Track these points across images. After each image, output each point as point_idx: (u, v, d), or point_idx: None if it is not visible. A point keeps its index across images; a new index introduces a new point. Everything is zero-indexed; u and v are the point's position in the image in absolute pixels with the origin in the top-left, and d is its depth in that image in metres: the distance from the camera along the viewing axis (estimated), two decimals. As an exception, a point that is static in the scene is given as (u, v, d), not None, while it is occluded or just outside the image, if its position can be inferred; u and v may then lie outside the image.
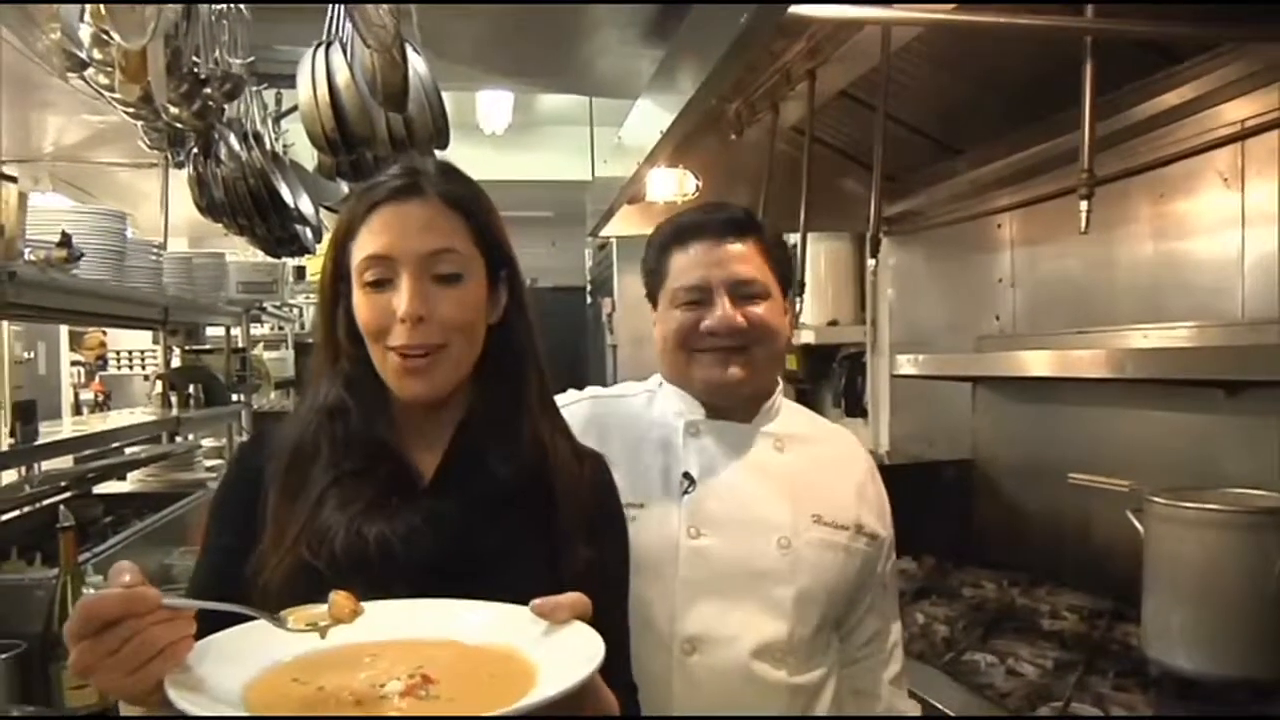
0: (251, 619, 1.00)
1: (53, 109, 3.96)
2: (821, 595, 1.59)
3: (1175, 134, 2.40)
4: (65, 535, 2.01)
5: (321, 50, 2.34)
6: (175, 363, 4.85)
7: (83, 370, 8.14)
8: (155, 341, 6.14)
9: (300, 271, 6.16)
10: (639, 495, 1.55)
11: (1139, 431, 2.63)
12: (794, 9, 1.77)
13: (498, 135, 7.23)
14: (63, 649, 1.94)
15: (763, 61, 2.53)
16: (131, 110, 2.42)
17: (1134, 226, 2.62)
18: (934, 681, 2.20)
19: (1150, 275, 2.59)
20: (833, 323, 4.32)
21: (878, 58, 2.31)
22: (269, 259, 4.68)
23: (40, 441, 2.90)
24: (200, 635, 0.95)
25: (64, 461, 3.66)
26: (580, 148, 7.34)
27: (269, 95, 3.47)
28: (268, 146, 3.32)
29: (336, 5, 2.35)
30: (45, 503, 3.05)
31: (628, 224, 3.68)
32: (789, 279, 1.70)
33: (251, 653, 0.98)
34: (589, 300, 8.46)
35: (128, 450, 4.16)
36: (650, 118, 2.79)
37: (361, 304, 1.22)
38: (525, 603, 1.05)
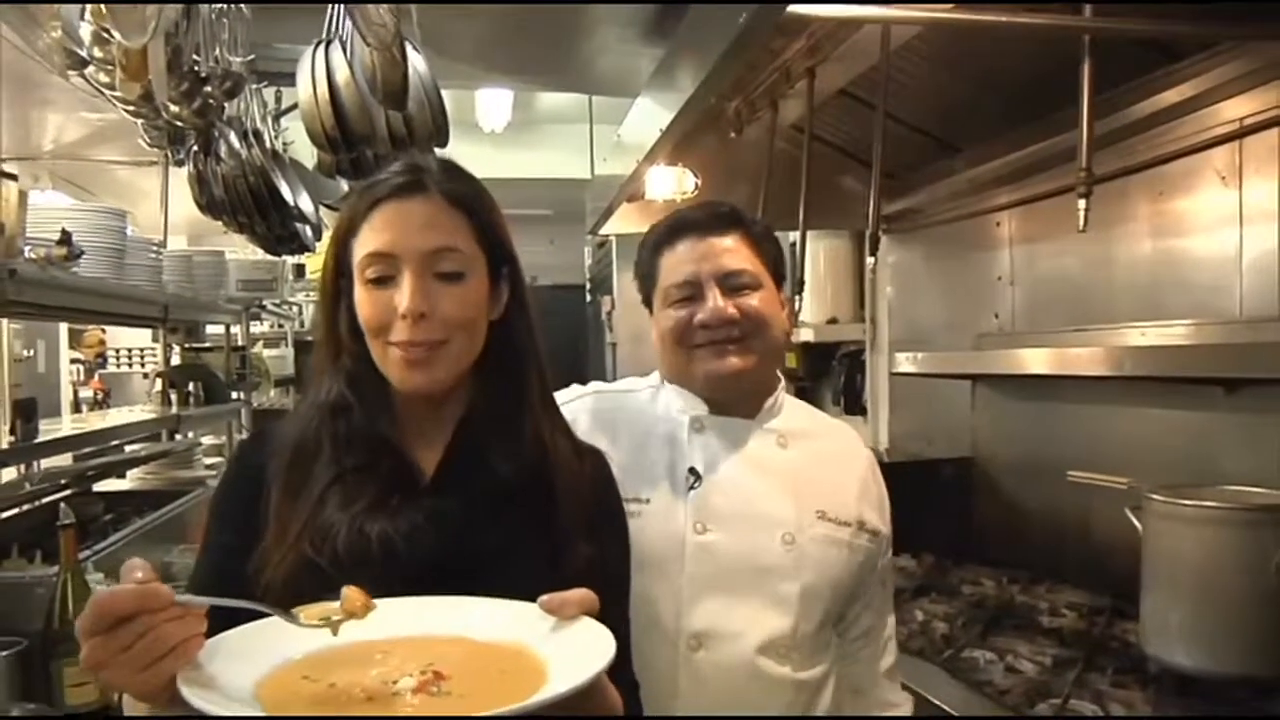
0: (262, 615, 1.00)
1: (52, 107, 3.96)
2: (825, 591, 1.59)
3: (1174, 132, 2.40)
4: (66, 533, 2.02)
5: (321, 48, 2.34)
6: (175, 360, 4.86)
7: (82, 368, 8.15)
8: (154, 339, 6.15)
9: (300, 269, 6.16)
10: (644, 491, 1.56)
11: (1138, 429, 2.64)
12: (793, 8, 1.77)
13: (497, 133, 7.23)
14: (63, 647, 1.97)
15: (762, 60, 2.53)
16: (132, 108, 2.42)
17: (1133, 225, 2.62)
18: (933, 679, 2.21)
19: (1149, 273, 2.60)
20: (832, 320, 4.32)
21: (877, 56, 2.31)
22: (269, 257, 4.69)
23: (40, 439, 2.90)
24: (209, 633, 0.95)
25: (63, 459, 3.66)
26: (579, 146, 7.35)
27: (269, 93, 3.47)
28: (268, 144, 3.32)
29: (336, 4, 2.35)
30: (45, 500, 3.06)
31: (627, 222, 3.67)
32: (781, 271, 1.71)
33: (261, 651, 0.98)
34: (588, 298, 8.47)
35: (127, 448, 4.17)
36: (650, 116, 2.79)
37: (363, 300, 1.23)
38: (527, 600, 1.05)
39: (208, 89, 2.42)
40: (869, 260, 2.63)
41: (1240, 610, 1.97)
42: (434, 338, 1.21)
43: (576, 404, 1.68)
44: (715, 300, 1.59)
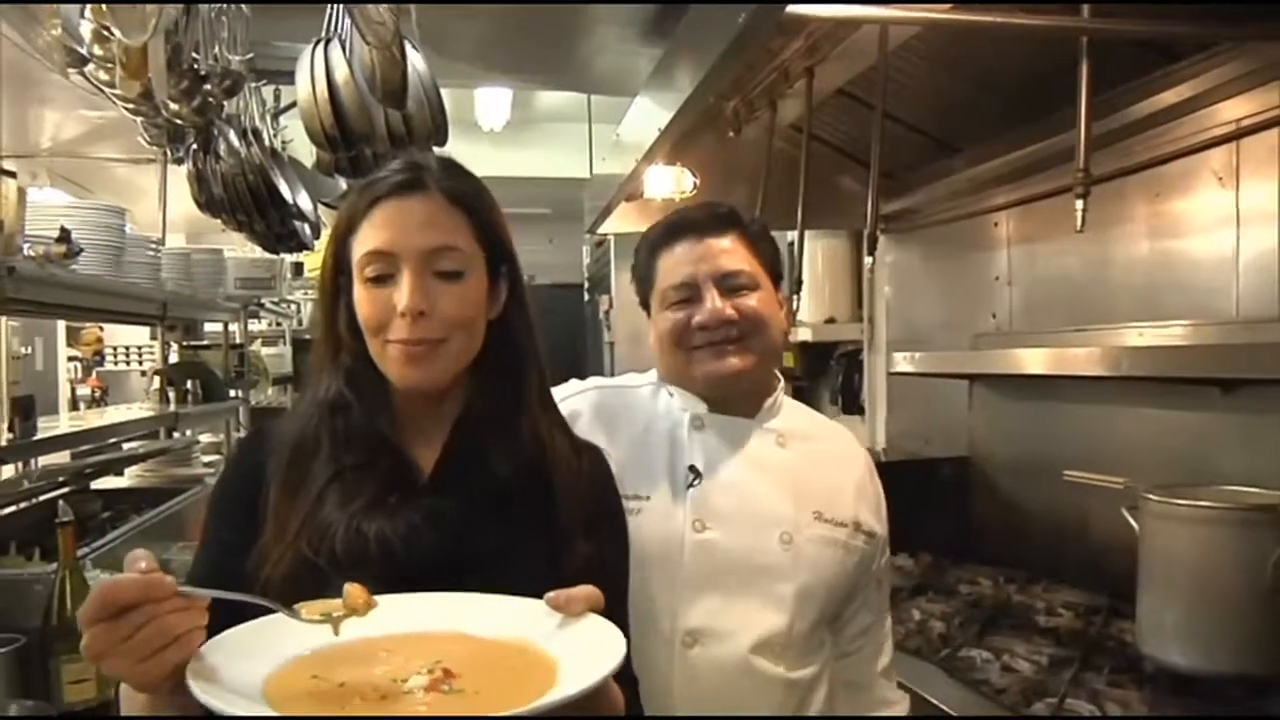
0: (264, 610, 1.00)
1: (51, 104, 3.95)
2: (821, 591, 1.60)
3: (1171, 133, 2.40)
4: (64, 530, 2.02)
5: (321, 47, 2.34)
6: (173, 358, 4.87)
7: (80, 366, 8.14)
8: (152, 337, 6.15)
9: (298, 267, 6.16)
10: (644, 488, 1.57)
11: (1135, 429, 2.64)
12: (792, 8, 1.77)
13: (496, 132, 7.23)
14: (62, 644, 1.97)
15: (761, 59, 2.53)
16: (131, 106, 2.42)
17: (1130, 225, 2.62)
18: (930, 678, 2.21)
19: (1146, 274, 2.60)
20: (830, 320, 4.33)
21: (875, 56, 2.32)
22: (267, 255, 4.68)
23: (39, 437, 2.90)
24: (208, 628, 0.96)
25: (61, 456, 3.66)
26: (578, 145, 7.34)
27: (267, 91, 3.47)
28: (266, 143, 3.31)
29: (336, 3, 2.35)
30: (43, 498, 3.06)
31: (626, 221, 3.67)
32: (779, 271, 1.71)
33: (265, 649, 0.98)
34: (586, 297, 8.46)
35: (125, 445, 4.17)
36: (649, 115, 2.79)
37: (362, 299, 1.23)
38: (525, 597, 1.06)
39: (207, 87, 2.42)
40: (867, 260, 2.63)
41: (1236, 610, 1.98)
42: (433, 336, 1.21)
43: (577, 399, 1.68)
44: (713, 301, 1.60)
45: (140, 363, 8.48)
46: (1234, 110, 2.24)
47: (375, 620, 1.02)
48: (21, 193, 2.29)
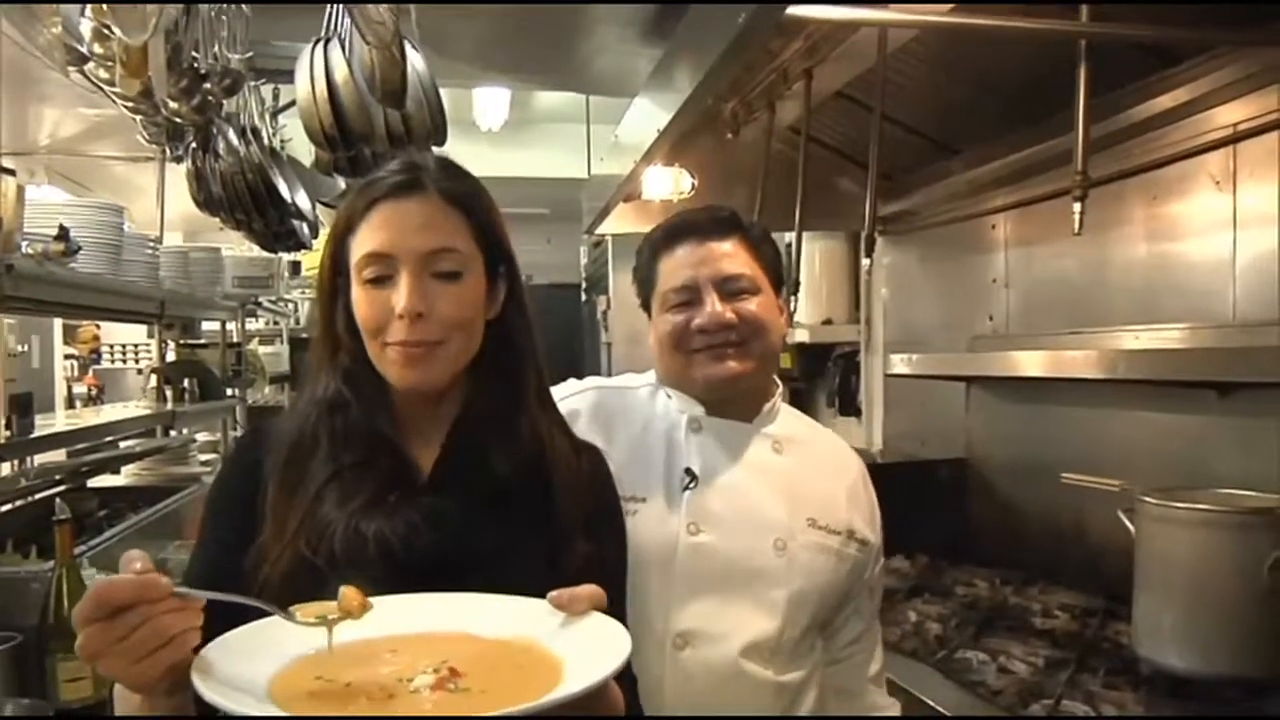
0: (259, 610, 1.00)
1: (49, 102, 3.94)
2: (813, 598, 1.60)
3: (1169, 136, 2.41)
4: (61, 528, 2.01)
5: (320, 46, 2.34)
6: (170, 357, 4.86)
7: (76, 364, 8.13)
8: (149, 335, 6.14)
9: (296, 266, 6.16)
10: (641, 489, 1.57)
11: (1131, 432, 2.65)
12: (792, 10, 1.78)
13: (494, 132, 7.23)
14: (58, 642, 1.96)
15: (760, 61, 2.53)
16: (131, 105, 2.42)
17: (1127, 228, 2.63)
18: (926, 679, 2.21)
19: (1143, 277, 2.61)
20: (827, 322, 4.33)
21: (874, 58, 2.33)
22: (265, 254, 4.68)
23: (36, 434, 2.90)
24: (203, 629, 0.95)
25: (57, 454, 3.66)
26: (576, 145, 7.34)
27: (266, 90, 3.47)
28: (265, 142, 3.31)
29: (335, 2, 2.35)
30: (40, 495, 3.05)
31: (624, 222, 3.68)
32: (780, 274, 1.71)
33: (268, 649, 0.98)
34: (584, 298, 8.46)
35: (122, 444, 4.16)
36: (647, 116, 2.80)
37: (361, 300, 1.23)
38: (526, 596, 1.06)
39: (207, 86, 2.42)
40: (864, 262, 2.64)
41: (1232, 612, 1.98)
42: (431, 338, 1.21)
43: (576, 399, 1.68)
44: (713, 305, 1.60)
45: (137, 361, 8.46)
46: (1231, 114, 2.25)
47: (379, 621, 1.02)
48: (20, 190, 2.29)
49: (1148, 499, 2.13)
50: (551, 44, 3.47)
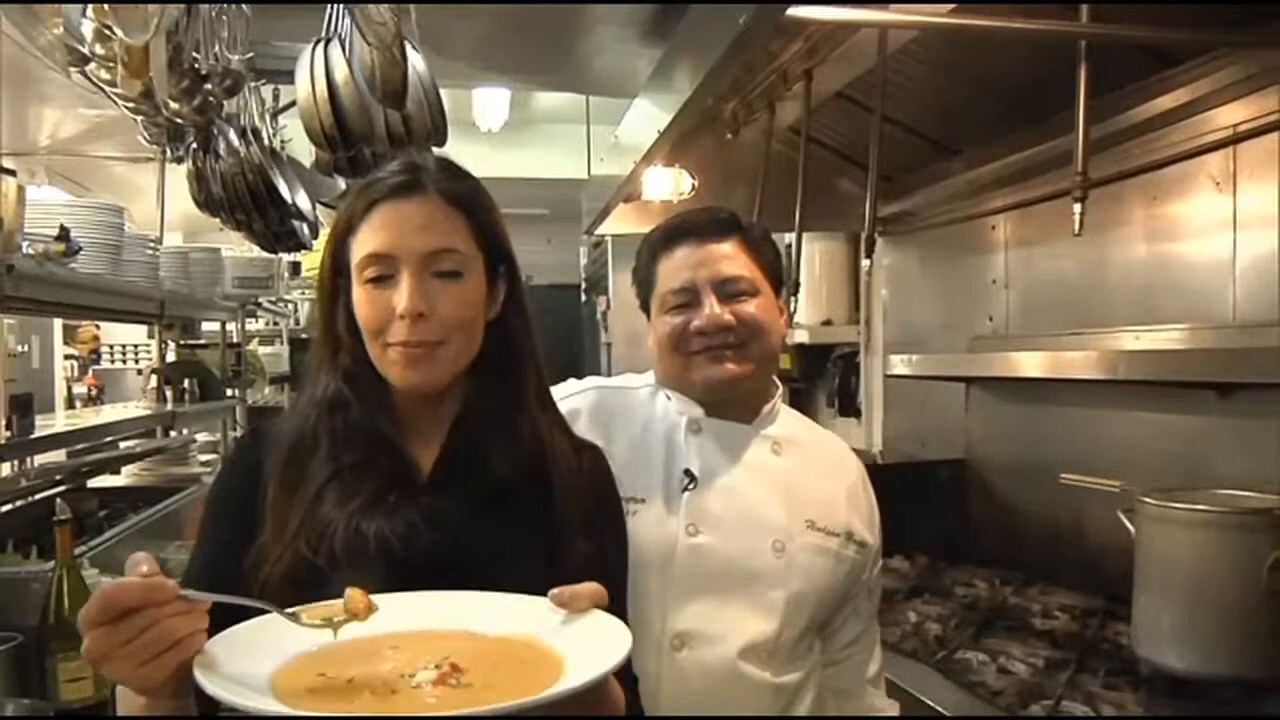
0: (264, 613, 1.00)
1: (49, 102, 3.94)
2: (811, 600, 1.60)
3: (1168, 137, 2.41)
4: (62, 528, 2.01)
5: (321, 47, 2.34)
6: (170, 357, 4.86)
7: (76, 364, 8.12)
8: (149, 336, 6.14)
9: (295, 267, 6.16)
10: (640, 490, 1.57)
11: (1131, 432, 2.65)
12: (792, 10, 1.78)
13: (494, 133, 7.23)
14: (58, 642, 1.97)
15: (760, 62, 2.54)
16: (132, 105, 2.42)
17: (1127, 229, 2.63)
18: (926, 679, 2.22)
19: (1143, 277, 2.61)
20: (827, 322, 4.33)
21: (874, 59, 2.33)
22: (264, 254, 4.68)
23: (36, 435, 2.90)
24: (207, 630, 0.96)
25: (57, 455, 3.66)
26: (575, 146, 7.34)
27: (267, 91, 3.47)
28: (266, 142, 3.31)
29: (336, 3, 2.35)
30: (40, 496, 3.05)
31: (624, 222, 3.68)
32: (780, 275, 1.71)
33: (270, 647, 0.98)
34: (584, 298, 8.46)
35: (122, 444, 4.16)
36: (647, 117, 2.80)
37: (361, 300, 1.23)
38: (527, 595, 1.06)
39: (208, 86, 2.42)
40: (864, 262, 2.63)
41: (1232, 613, 1.99)
42: (432, 338, 1.21)
43: (576, 398, 1.68)
44: (712, 307, 1.60)
45: (136, 361, 8.46)
46: (1231, 115, 2.25)
47: (380, 618, 1.02)
48: (21, 191, 2.29)
49: (1147, 500, 2.13)
50: (551, 44, 3.47)
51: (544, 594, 1.05)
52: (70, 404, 7.06)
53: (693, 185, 3.27)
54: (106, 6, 1.89)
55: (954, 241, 3.46)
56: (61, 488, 3.19)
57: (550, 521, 1.25)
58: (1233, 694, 2.00)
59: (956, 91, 2.79)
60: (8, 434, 2.76)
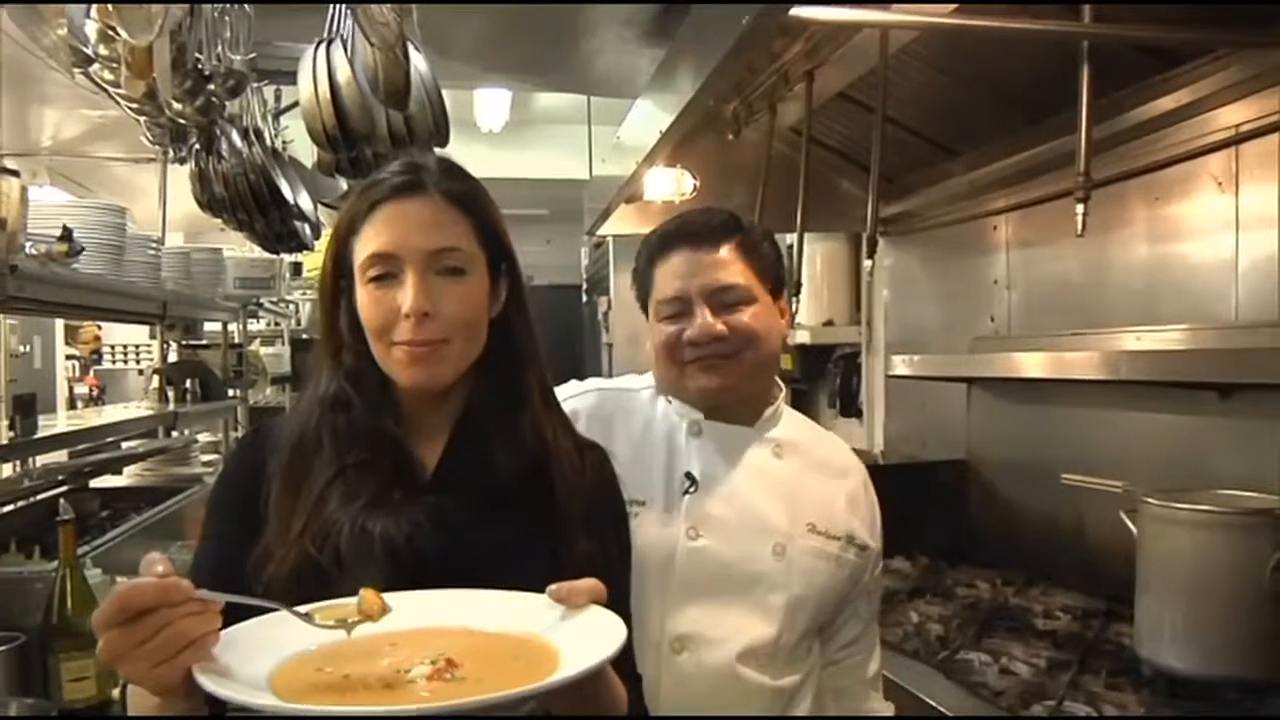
0: (265, 609, 1.01)
1: (51, 103, 3.95)
2: (811, 603, 1.60)
3: (1170, 138, 2.41)
4: (65, 528, 2.02)
5: (323, 47, 2.34)
6: (172, 357, 4.86)
7: (77, 364, 8.13)
8: (151, 336, 6.15)
9: (297, 267, 6.17)
10: (641, 493, 1.56)
11: (1132, 433, 2.65)
12: (795, 11, 1.78)
13: (495, 133, 7.24)
14: (61, 642, 1.97)
15: (761, 62, 2.54)
16: (136, 106, 2.42)
17: (1129, 229, 2.63)
18: (928, 680, 2.21)
19: (1145, 278, 2.61)
20: (828, 323, 4.33)
21: (876, 60, 2.33)
22: (266, 255, 4.69)
23: (39, 435, 2.90)
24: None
25: (59, 455, 3.66)
26: (576, 147, 7.35)
27: (269, 91, 3.48)
28: (268, 143, 3.32)
29: (338, 3, 2.36)
30: (43, 496, 3.06)
31: (625, 223, 3.68)
32: (780, 279, 1.69)
33: (273, 644, 0.99)
34: (585, 299, 8.47)
35: (124, 445, 4.17)
36: (650, 117, 2.80)
37: (365, 301, 1.23)
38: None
39: (211, 87, 2.42)
40: (866, 263, 2.64)
41: (1234, 613, 1.98)
42: (437, 336, 1.21)
43: (576, 400, 1.68)
44: (703, 318, 1.58)
45: (138, 362, 8.47)
46: (1233, 115, 2.25)
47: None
48: (24, 191, 2.29)
49: (1149, 500, 2.13)
50: (553, 45, 3.48)
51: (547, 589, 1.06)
52: (72, 404, 7.07)
53: (694, 186, 3.28)
54: (110, 7, 1.89)
55: (955, 242, 3.46)
56: (64, 488, 3.19)
57: (553, 520, 1.26)
58: (1234, 695, 2.00)
59: (958, 92, 2.80)
60: (11, 434, 2.76)
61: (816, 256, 4.31)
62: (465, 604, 1.09)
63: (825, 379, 4.49)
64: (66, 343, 7.48)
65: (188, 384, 4.47)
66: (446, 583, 1.11)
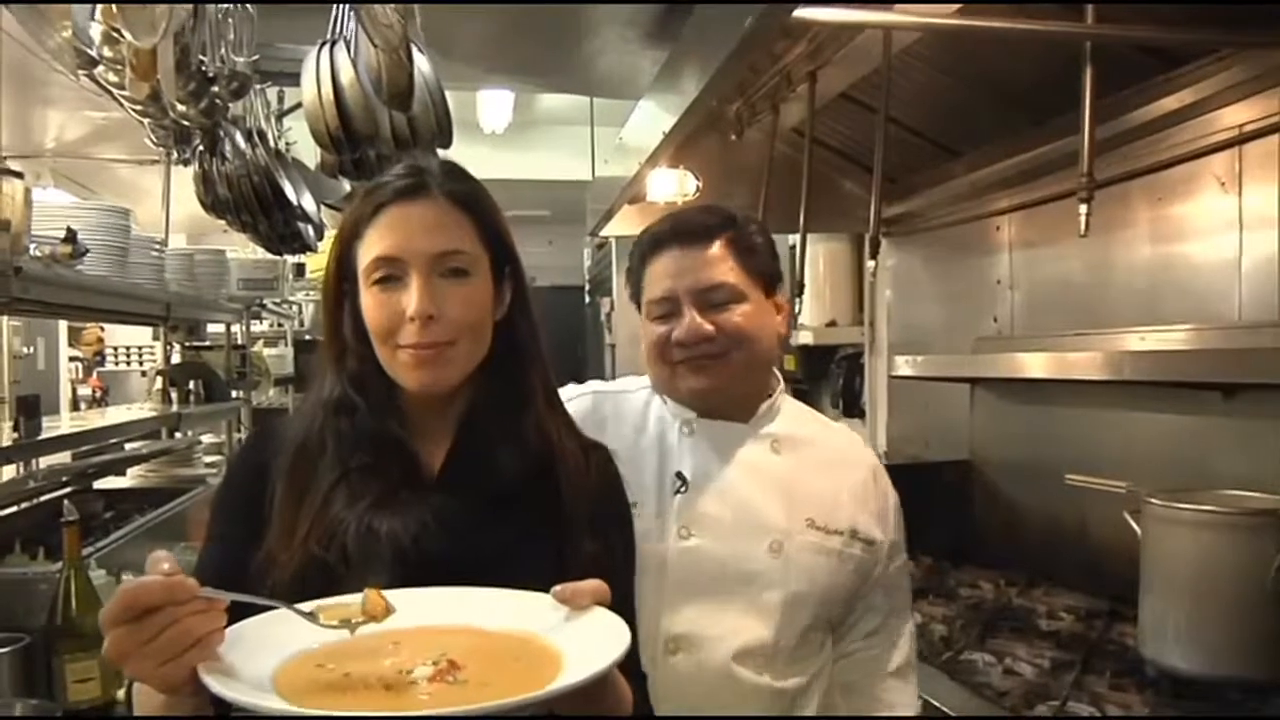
0: (270, 608, 1.01)
1: (54, 105, 3.96)
2: (811, 601, 1.58)
3: (1173, 138, 2.41)
4: (69, 530, 2.02)
5: (326, 49, 2.35)
6: (176, 359, 4.87)
7: (81, 366, 8.15)
8: (154, 337, 6.16)
9: (300, 269, 6.18)
10: (634, 493, 1.53)
11: (1136, 433, 2.65)
12: (798, 12, 1.78)
13: (497, 134, 7.24)
14: (66, 643, 1.97)
15: (764, 63, 2.54)
16: (140, 108, 2.43)
17: (1132, 230, 2.63)
18: (932, 680, 2.21)
19: (1148, 278, 2.61)
20: (831, 323, 4.33)
21: (878, 60, 2.33)
22: (269, 256, 4.70)
23: (43, 436, 2.91)
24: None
25: (63, 456, 3.67)
26: (578, 148, 7.36)
27: (272, 93, 3.48)
28: (271, 144, 3.33)
29: (342, 4, 2.36)
30: (47, 497, 3.07)
31: (628, 224, 3.69)
32: (774, 275, 1.67)
33: (276, 642, 0.99)
34: (587, 300, 8.47)
35: (128, 446, 4.17)
36: (652, 118, 2.80)
37: (370, 304, 1.23)
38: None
39: (214, 89, 2.43)
40: (869, 263, 2.64)
41: (1238, 614, 1.98)
42: (443, 339, 1.21)
43: (572, 404, 1.66)
44: (691, 318, 1.57)
45: (140, 363, 8.49)
46: (1236, 115, 2.25)
47: None
48: (28, 193, 2.29)
49: (1153, 500, 2.13)
50: (555, 46, 3.48)
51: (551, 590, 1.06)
52: (75, 406, 7.08)
53: (697, 187, 3.28)
54: (115, 9, 1.90)
55: (958, 242, 3.46)
56: (68, 489, 3.20)
57: (558, 521, 1.26)
58: (1238, 695, 2.00)
59: (960, 92, 2.80)
60: (15, 436, 2.76)
61: (819, 257, 4.30)
62: (469, 603, 1.09)
63: (828, 380, 4.49)
64: (70, 344, 7.51)
65: (191, 385, 4.48)
66: (452, 582, 1.11)
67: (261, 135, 3.26)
